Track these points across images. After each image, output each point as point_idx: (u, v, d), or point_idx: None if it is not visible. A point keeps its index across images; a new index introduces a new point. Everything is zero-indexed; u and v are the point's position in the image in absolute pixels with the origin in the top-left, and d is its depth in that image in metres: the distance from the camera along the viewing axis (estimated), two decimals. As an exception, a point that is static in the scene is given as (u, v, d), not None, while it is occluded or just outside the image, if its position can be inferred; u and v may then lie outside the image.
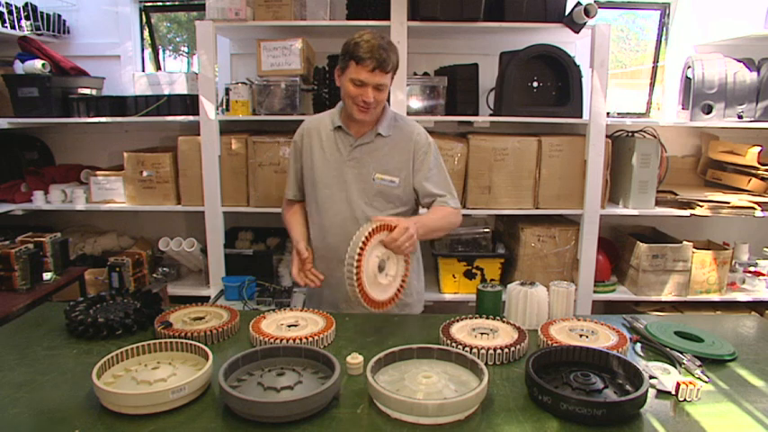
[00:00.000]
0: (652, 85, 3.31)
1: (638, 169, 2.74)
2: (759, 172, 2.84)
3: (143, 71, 3.24)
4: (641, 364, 1.30)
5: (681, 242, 2.77)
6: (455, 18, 2.52)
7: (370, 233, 1.48)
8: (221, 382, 1.13)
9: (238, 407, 1.10)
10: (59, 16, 3.03)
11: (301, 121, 2.70)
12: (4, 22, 2.71)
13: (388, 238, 1.53)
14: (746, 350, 1.46)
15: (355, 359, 1.31)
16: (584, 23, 2.52)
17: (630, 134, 2.90)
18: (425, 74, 2.88)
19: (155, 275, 2.97)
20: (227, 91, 2.72)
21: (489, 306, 1.67)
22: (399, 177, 1.80)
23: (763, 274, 2.88)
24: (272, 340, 1.42)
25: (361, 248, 1.45)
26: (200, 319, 1.59)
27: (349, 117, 1.79)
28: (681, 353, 1.40)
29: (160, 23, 3.47)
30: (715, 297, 2.81)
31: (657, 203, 2.81)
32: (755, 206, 2.71)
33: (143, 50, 3.28)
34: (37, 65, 2.72)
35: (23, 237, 2.30)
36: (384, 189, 1.80)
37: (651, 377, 1.25)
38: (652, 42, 3.27)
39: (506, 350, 1.37)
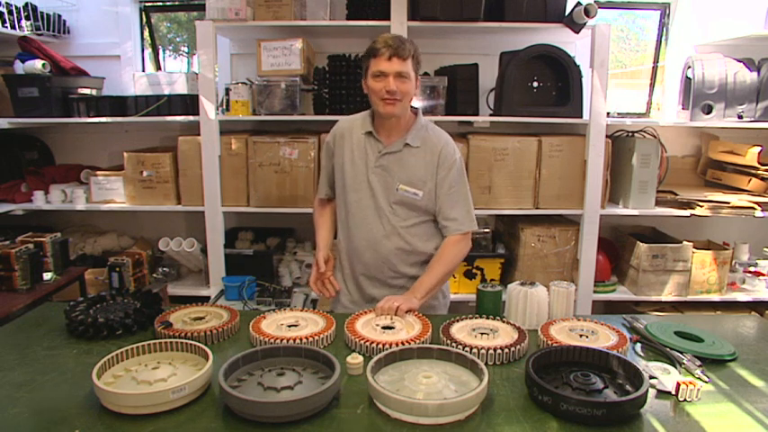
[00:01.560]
0: (652, 85, 3.31)
1: (638, 169, 2.74)
2: (759, 172, 2.84)
3: (143, 71, 3.24)
4: (641, 364, 1.30)
5: (681, 242, 2.77)
6: (455, 18, 2.52)
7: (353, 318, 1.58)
8: (221, 382, 1.13)
9: (238, 407, 1.10)
10: (59, 16, 3.03)
11: (302, 121, 2.74)
12: (4, 22, 2.71)
13: (377, 308, 1.60)
14: (746, 350, 1.46)
15: (355, 359, 1.31)
16: (585, 23, 2.52)
17: (630, 134, 2.90)
18: (425, 74, 2.88)
19: (155, 275, 2.97)
20: (228, 91, 2.72)
21: (489, 306, 1.67)
22: (423, 191, 1.78)
23: (764, 275, 2.88)
24: (272, 340, 1.42)
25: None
26: (201, 319, 1.59)
27: (379, 122, 1.77)
28: (681, 353, 1.40)
29: (160, 23, 3.47)
30: (715, 297, 2.81)
31: (657, 203, 2.81)
32: (755, 206, 2.71)
33: (143, 50, 3.28)
34: (37, 65, 2.72)
35: (24, 237, 2.30)
36: (406, 199, 1.78)
37: (651, 377, 1.25)
38: (652, 42, 3.27)
39: (506, 350, 1.37)
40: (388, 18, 2.56)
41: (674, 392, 1.22)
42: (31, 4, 2.86)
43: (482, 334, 1.46)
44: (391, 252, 1.81)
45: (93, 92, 2.98)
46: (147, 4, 3.22)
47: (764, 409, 1.17)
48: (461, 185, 1.81)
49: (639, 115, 3.35)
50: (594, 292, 2.82)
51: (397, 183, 1.77)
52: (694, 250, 2.76)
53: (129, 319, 1.54)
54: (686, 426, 1.12)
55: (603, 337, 1.47)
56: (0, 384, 1.25)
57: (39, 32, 2.90)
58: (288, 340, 1.41)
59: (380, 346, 1.39)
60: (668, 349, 1.42)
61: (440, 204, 1.79)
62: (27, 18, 2.84)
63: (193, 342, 1.33)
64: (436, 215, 1.82)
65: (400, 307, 1.58)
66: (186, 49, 3.61)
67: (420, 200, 1.78)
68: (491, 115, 2.80)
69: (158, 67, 3.37)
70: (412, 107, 1.82)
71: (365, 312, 1.61)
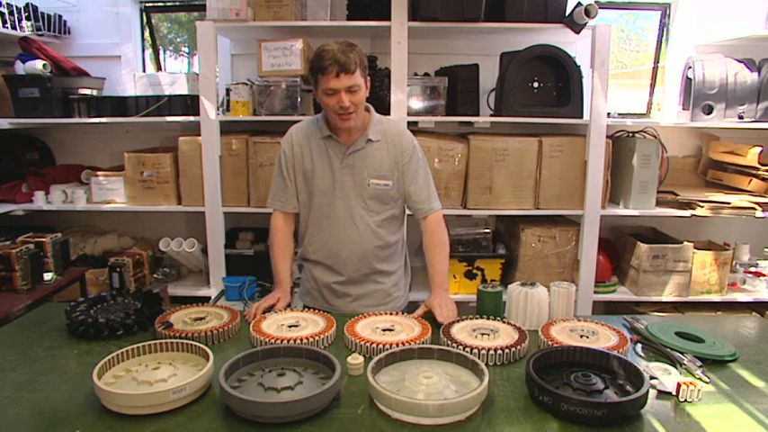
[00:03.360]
0: (652, 85, 3.31)
1: (638, 170, 2.73)
2: (760, 172, 2.84)
3: (144, 71, 3.24)
4: (642, 364, 1.30)
5: (681, 243, 2.77)
6: (455, 18, 2.52)
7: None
8: (222, 383, 1.13)
9: (239, 407, 1.10)
10: (60, 17, 3.03)
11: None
12: (5, 22, 2.72)
13: (442, 318, 1.58)
14: (747, 351, 1.46)
15: (356, 360, 1.31)
16: (585, 24, 2.52)
17: (631, 134, 2.90)
18: (426, 74, 2.88)
19: (155, 276, 2.97)
20: (228, 91, 2.72)
21: (490, 306, 1.67)
22: (392, 179, 1.83)
23: (764, 275, 2.88)
24: (272, 341, 1.42)
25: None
26: (201, 319, 1.59)
27: (337, 126, 1.79)
28: (681, 353, 1.40)
29: (161, 24, 3.47)
30: (716, 297, 2.81)
31: (658, 204, 2.81)
32: (756, 207, 2.70)
33: (143, 51, 3.28)
34: (38, 65, 2.73)
35: (24, 237, 2.30)
36: (379, 193, 1.83)
37: (652, 378, 1.25)
38: (653, 43, 3.27)
39: (507, 351, 1.37)
40: (388, 18, 2.55)
41: (674, 393, 1.22)
42: (32, 4, 2.86)
43: (482, 334, 1.46)
44: (368, 250, 1.85)
45: (94, 92, 2.99)
46: (147, 5, 3.22)
47: (765, 410, 1.17)
48: (426, 167, 1.89)
49: (640, 115, 3.34)
50: (595, 292, 2.82)
51: (368, 178, 1.81)
52: (695, 251, 2.76)
53: (130, 320, 1.54)
54: (687, 426, 1.12)
55: (604, 337, 1.47)
56: (1, 385, 1.25)
57: (39, 33, 2.90)
58: (288, 341, 1.41)
59: (381, 346, 1.39)
60: (669, 350, 1.42)
61: (408, 188, 1.84)
62: (28, 18, 2.84)
63: (194, 342, 1.33)
64: (406, 200, 1.87)
65: (450, 307, 1.64)
66: (187, 50, 3.61)
67: (391, 189, 1.84)
68: (491, 116, 2.80)
69: (159, 68, 3.37)
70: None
71: (365, 316, 1.61)
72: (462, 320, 1.57)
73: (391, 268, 1.93)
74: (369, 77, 1.76)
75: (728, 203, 2.71)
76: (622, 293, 2.86)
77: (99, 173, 2.87)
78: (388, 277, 1.93)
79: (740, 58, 2.84)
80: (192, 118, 2.71)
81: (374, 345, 1.40)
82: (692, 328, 1.55)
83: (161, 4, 3.26)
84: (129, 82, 3.08)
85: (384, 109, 2.57)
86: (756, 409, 1.18)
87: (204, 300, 2.71)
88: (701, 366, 1.34)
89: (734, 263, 2.88)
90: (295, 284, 2.57)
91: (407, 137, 1.86)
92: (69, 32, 3.11)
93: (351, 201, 1.82)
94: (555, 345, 1.40)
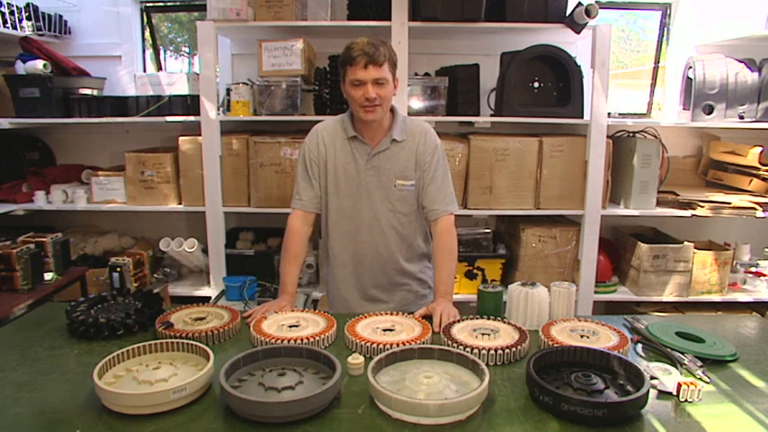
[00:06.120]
0: (653, 85, 3.31)
1: (638, 170, 2.74)
2: (760, 172, 2.84)
3: (144, 71, 3.24)
4: (642, 364, 1.30)
5: (682, 243, 2.77)
6: (456, 18, 2.52)
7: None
8: (222, 383, 1.13)
9: (239, 407, 1.10)
10: (61, 17, 3.03)
11: (303, 122, 2.73)
12: (5, 22, 2.72)
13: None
14: (748, 351, 1.46)
15: (356, 359, 1.31)
16: (585, 24, 2.52)
17: (631, 134, 2.90)
18: (426, 74, 2.88)
19: (156, 276, 2.97)
20: (228, 91, 2.72)
21: (490, 306, 1.67)
22: (415, 179, 1.82)
23: (765, 275, 2.88)
24: (273, 341, 1.42)
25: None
26: (201, 319, 1.59)
27: (362, 125, 1.78)
28: (682, 353, 1.40)
29: (161, 24, 3.47)
30: (716, 297, 2.81)
31: (658, 204, 2.81)
32: (756, 207, 2.70)
33: (144, 51, 3.29)
34: (38, 65, 2.73)
35: (25, 237, 2.30)
36: (406, 194, 1.82)
37: (652, 378, 1.25)
38: (653, 43, 3.27)
39: (507, 351, 1.37)
40: (388, 18, 2.56)
41: (675, 393, 1.21)
42: (33, 4, 2.86)
43: (483, 334, 1.46)
44: (394, 252, 1.84)
45: (94, 92, 2.99)
46: (147, 5, 3.22)
47: (765, 410, 1.17)
48: (446, 169, 1.87)
49: (640, 115, 3.34)
50: (595, 292, 2.82)
51: (394, 179, 1.80)
52: (695, 251, 2.76)
53: (131, 320, 1.54)
54: (687, 426, 1.12)
55: (604, 337, 1.47)
56: (1, 385, 1.25)
57: (40, 33, 2.91)
58: (289, 341, 1.41)
59: (381, 346, 1.39)
60: (669, 350, 1.42)
61: (426, 188, 1.82)
62: (28, 18, 2.84)
63: (194, 342, 1.33)
64: (421, 200, 1.84)
65: (451, 314, 1.60)
66: (187, 50, 3.61)
67: (414, 189, 1.82)
68: (492, 116, 2.80)
69: (159, 68, 3.37)
70: None
71: (365, 316, 1.61)
72: (463, 320, 1.57)
73: (418, 268, 1.92)
74: (397, 79, 1.75)
75: (729, 203, 2.71)
76: (623, 293, 2.86)
77: (99, 173, 2.87)
78: (415, 278, 1.92)
79: (741, 58, 2.84)
80: (192, 118, 2.71)
81: (374, 345, 1.40)
82: (693, 328, 1.54)
83: (161, 4, 3.26)
84: (130, 82, 3.08)
85: (384, 109, 2.57)
86: (757, 409, 1.17)
87: (205, 300, 2.72)
88: (701, 366, 1.33)
89: (734, 263, 2.88)
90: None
91: (431, 135, 1.85)
92: (70, 32, 3.11)
93: (376, 203, 1.81)
94: (555, 345, 1.40)
